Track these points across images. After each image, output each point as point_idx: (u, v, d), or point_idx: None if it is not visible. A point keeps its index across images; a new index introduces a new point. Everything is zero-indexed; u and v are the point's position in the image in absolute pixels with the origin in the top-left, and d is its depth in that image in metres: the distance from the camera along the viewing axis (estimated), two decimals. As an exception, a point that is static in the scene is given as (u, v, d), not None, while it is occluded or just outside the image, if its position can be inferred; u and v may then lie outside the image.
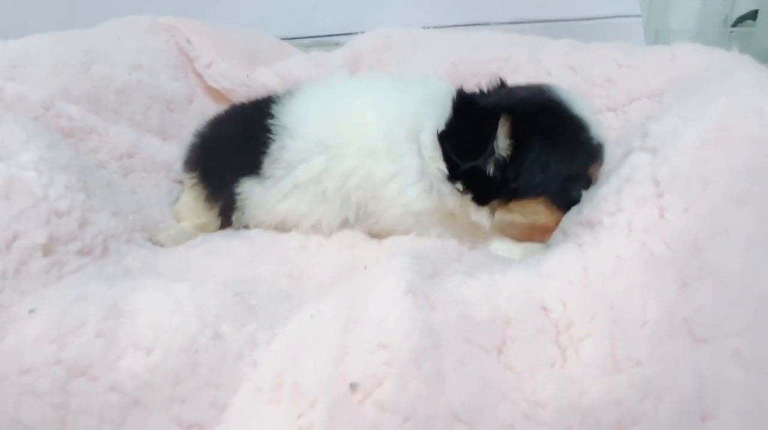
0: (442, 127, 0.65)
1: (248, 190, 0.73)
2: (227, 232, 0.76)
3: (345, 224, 0.71)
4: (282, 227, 0.73)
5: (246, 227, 0.76)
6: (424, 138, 0.66)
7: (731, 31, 1.44)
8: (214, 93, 1.03)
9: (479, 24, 1.32)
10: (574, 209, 0.64)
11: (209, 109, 1.02)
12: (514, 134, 0.63)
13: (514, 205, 0.65)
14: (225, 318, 0.47)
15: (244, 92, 1.02)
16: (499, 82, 0.75)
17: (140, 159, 0.83)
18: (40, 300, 0.46)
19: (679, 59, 0.89)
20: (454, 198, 0.66)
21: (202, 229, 0.81)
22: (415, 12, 1.31)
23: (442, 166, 0.64)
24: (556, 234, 0.66)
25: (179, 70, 1.00)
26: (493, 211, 0.66)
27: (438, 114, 0.66)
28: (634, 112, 0.87)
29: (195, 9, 1.20)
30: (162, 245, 0.73)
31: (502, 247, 0.70)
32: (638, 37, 1.33)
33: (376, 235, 0.70)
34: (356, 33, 1.25)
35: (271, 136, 0.71)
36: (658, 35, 1.36)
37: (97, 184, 0.70)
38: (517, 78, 1.05)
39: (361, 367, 0.41)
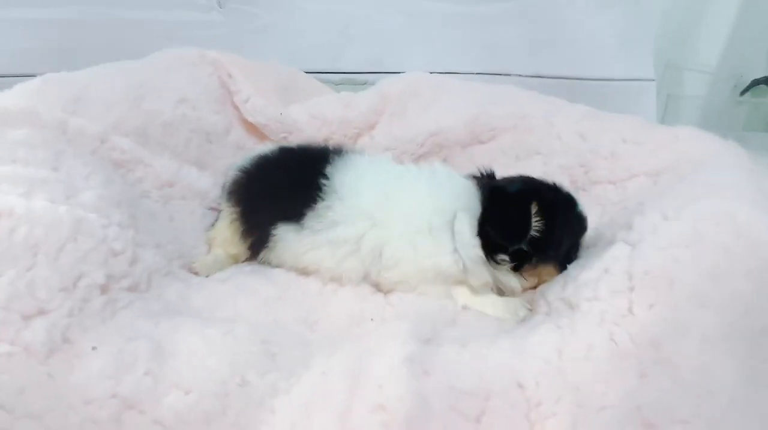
0: (478, 214, 0.79)
1: (283, 234, 0.82)
2: (252, 268, 0.85)
3: (365, 277, 0.80)
4: (304, 271, 0.82)
5: (269, 263, 0.85)
6: (459, 226, 0.78)
7: (740, 99, 1.51)
8: (249, 125, 1.12)
9: (502, 74, 1.39)
10: (559, 282, 0.74)
11: (244, 141, 1.12)
12: (541, 215, 0.77)
13: (538, 269, 0.80)
14: (251, 366, 0.56)
15: (276, 127, 1.11)
16: (490, 171, 0.89)
17: (179, 188, 0.92)
18: (100, 337, 0.55)
19: (680, 142, 0.96)
20: (483, 270, 0.78)
21: (233, 258, 0.90)
22: (442, 56, 1.39)
23: (480, 252, 0.77)
24: (540, 302, 0.74)
25: (220, 103, 1.09)
26: (524, 275, 0.80)
27: (468, 204, 0.80)
28: (632, 188, 0.95)
29: (235, 41, 1.29)
30: (196, 274, 0.83)
31: (496, 305, 0.78)
32: (650, 101, 1.41)
33: (387, 288, 0.79)
34: (385, 72, 1.34)
35: (321, 195, 0.80)
36: (669, 99, 1.43)
37: (142, 216, 0.79)
38: (530, 138, 1.14)
39: (362, 425, 0.50)
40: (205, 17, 1.27)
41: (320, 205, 0.80)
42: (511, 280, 0.81)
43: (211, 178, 0.99)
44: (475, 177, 0.89)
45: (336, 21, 1.33)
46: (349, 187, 0.82)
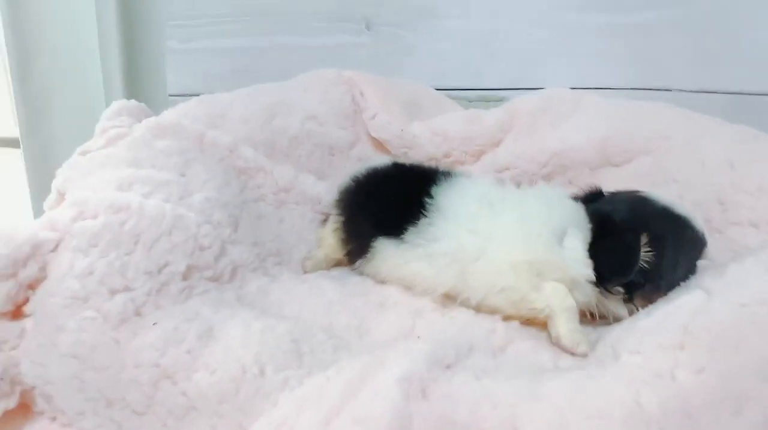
0: (589, 237, 0.76)
1: (383, 247, 0.86)
2: (341, 272, 0.92)
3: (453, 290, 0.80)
4: (399, 283, 0.85)
5: (364, 272, 0.90)
6: (571, 242, 0.76)
7: None
8: (374, 141, 1.20)
9: (660, 89, 1.25)
10: (624, 325, 0.66)
11: (367, 154, 1.20)
12: (650, 246, 0.73)
13: (649, 296, 0.74)
14: (273, 359, 0.62)
15: (397, 143, 1.16)
16: (597, 189, 0.85)
17: (294, 193, 1.03)
18: (166, 315, 0.67)
19: None
20: (590, 291, 0.75)
21: (335, 261, 0.98)
22: (591, 71, 1.30)
23: (591, 273, 0.74)
24: (599, 344, 0.67)
25: (348, 119, 1.18)
26: (636, 304, 0.75)
27: (579, 223, 0.77)
28: (776, 232, 0.79)
29: (381, 61, 1.38)
30: (305, 271, 0.94)
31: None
32: None
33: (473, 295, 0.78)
34: (527, 89, 1.30)
35: (424, 212, 0.83)
36: None
37: (249, 218, 0.91)
38: (669, 162, 1.01)
39: (340, 433, 0.52)
40: (356, 40, 1.38)
41: (422, 222, 0.82)
42: (620, 308, 0.76)
43: (328, 187, 1.08)
44: (579, 197, 0.85)
45: (479, 38, 1.33)
46: (452, 206, 0.83)
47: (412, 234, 0.82)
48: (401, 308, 0.79)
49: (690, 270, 0.76)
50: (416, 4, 1.34)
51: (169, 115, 0.98)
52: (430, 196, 0.84)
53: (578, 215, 0.79)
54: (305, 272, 0.95)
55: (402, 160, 1.15)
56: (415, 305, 0.79)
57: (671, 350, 0.53)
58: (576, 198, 0.86)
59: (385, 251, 0.85)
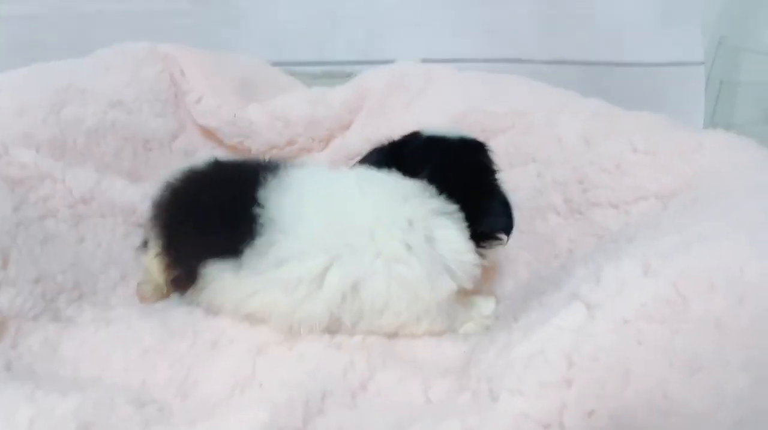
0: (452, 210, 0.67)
1: (216, 274, 0.66)
2: (165, 304, 0.74)
3: (335, 323, 0.66)
4: (250, 318, 0.67)
5: (195, 303, 0.71)
6: (444, 233, 0.66)
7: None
8: (202, 129, 1.00)
9: (513, 60, 1.19)
10: (498, 346, 0.56)
11: (195, 146, 1.00)
12: None
13: None
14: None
15: (228, 131, 0.99)
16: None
17: (97, 204, 0.81)
18: None
19: (704, 152, 0.74)
20: (477, 269, 0.68)
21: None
22: (442, 41, 1.21)
23: (474, 254, 0.67)
24: (472, 372, 0.57)
25: (168, 105, 0.97)
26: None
27: (434, 203, 0.67)
28: (637, 214, 0.74)
29: (208, 32, 1.17)
30: (142, 300, 0.76)
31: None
32: (698, 88, 1.16)
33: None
34: (375, 62, 1.17)
35: (258, 228, 0.64)
36: (723, 86, 1.17)
37: (26, 245, 0.69)
38: (527, 140, 0.95)
39: None
40: (172, 6, 1.15)
41: (260, 241, 0.64)
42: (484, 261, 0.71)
43: (145, 190, 0.87)
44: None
45: (321, 5, 1.18)
46: (288, 214, 0.65)
47: (251, 257, 0.64)
48: (238, 346, 0.64)
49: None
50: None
51: None
52: (260, 205, 0.66)
53: (421, 188, 0.68)
54: (142, 301, 0.76)
55: (234, 153, 0.98)
56: (255, 340, 0.64)
57: (556, 388, 0.44)
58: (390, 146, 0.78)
59: (221, 279, 0.66)
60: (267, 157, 0.89)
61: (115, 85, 0.92)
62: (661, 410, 0.42)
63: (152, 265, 0.75)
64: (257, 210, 0.65)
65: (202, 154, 0.99)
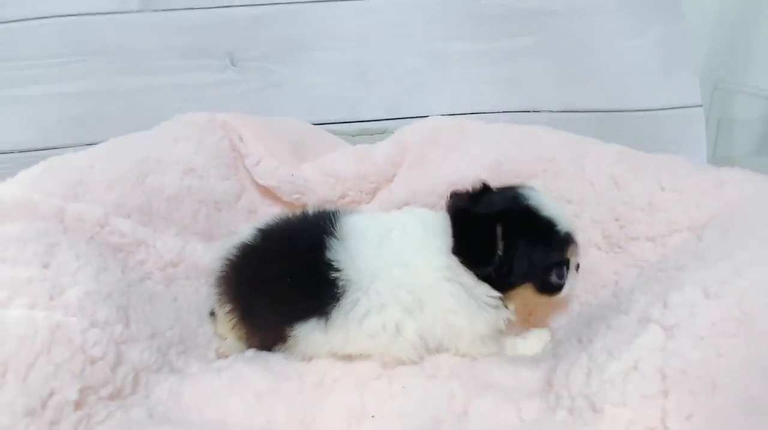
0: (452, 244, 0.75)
1: (306, 334, 0.75)
2: (252, 353, 0.81)
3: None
4: (347, 359, 0.76)
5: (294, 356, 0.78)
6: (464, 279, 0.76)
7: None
8: (262, 188, 1.09)
9: (530, 111, 1.31)
10: (583, 369, 0.64)
11: (256, 205, 1.08)
12: (504, 238, 0.74)
13: (516, 292, 0.77)
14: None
15: (287, 188, 1.07)
16: (482, 185, 0.85)
17: (184, 267, 0.90)
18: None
19: (727, 188, 0.85)
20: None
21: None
22: (465, 97, 1.32)
23: (488, 289, 0.76)
24: (563, 393, 0.65)
25: (230, 168, 1.06)
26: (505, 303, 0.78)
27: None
28: (674, 245, 0.84)
29: (251, 98, 1.27)
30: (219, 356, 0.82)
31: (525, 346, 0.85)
32: (699, 129, 1.28)
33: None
34: (406, 118, 1.28)
35: (338, 291, 0.73)
36: (721, 125, 1.30)
37: (138, 304, 0.76)
38: (559, 184, 1.05)
39: None
40: (220, 77, 1.26)
41: (344, 302, 0.73)
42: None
43: (218, 251, 0.95)
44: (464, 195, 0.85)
45: (351, 69, 1.29)
46: (364, 274, 0.74)
47: (337, 316, 0.73)
48: (342, 383, 0.71)
49: (550, 268, 0.77)
50: (283, 37, 1.25)
51: (10, 190, 0.79)
52: (336, 269, 0.74)
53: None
54: (219, 358, 0.83)
55: (292, 209, 1.07)
56: (356, 377, 0.72)
57: (656, 398, 0.53)
58: (461, 196, 0.85)
59: (311, 337, 0.75)
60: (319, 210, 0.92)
61: (185, 153, 1.00)
62: (745, 408, 0.50)
63: (226, 331, 0.83)
64: (335, 274, 0.74)
65: (263, 211, 1.08)
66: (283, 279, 0.76)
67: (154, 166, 0.94)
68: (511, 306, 0.79)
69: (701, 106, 1.27)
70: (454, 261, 0.75)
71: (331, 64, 1.28)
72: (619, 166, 1.00)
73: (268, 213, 1.08)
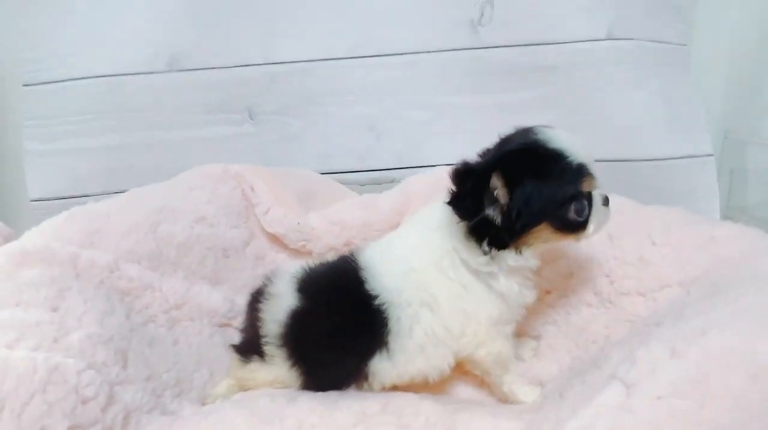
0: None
1: (378, 366, 0.82)
2: (241, 396, 0.85)
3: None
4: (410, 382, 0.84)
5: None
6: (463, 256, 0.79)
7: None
8: (269, 235, 1.15)
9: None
10: (551, 419, 0.65)
11: (264, 251, 1.14)
12: (507, 183, 0.73)
13: (527, 238, 0.76)
14: None
15: (293, 236, 1.12)
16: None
17: (188, 309, 0.95)
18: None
19: (717, 244, 0.85)
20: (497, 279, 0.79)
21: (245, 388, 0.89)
22: (475, 147, 1.35)
23: (491, 264, 0.78)
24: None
25: (240, 217, 1.12)
26: (518, 250, 0.77)
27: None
28: (664, 300, 0.84)
29: (267, 150, 1.34)
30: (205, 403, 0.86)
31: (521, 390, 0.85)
32: (711, 178, 1.27)
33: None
34: (414, 167, 1.33)
35: (385, 316, 0.80)
36: (734, 175, 1.28)
37: (139, 347, 0.82)
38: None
39: None
40: (239, 130, 1.34)
41: (392, 325, 0.80)
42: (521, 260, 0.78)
43: (224, 293, 1.01)
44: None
45: (362, 122, 1.35)
46: (392, 290, 0.81)
47: (394, 340, 0.80)
48: (331, 423, 0.74)
49: (565, 201, 0.74)
50: (298, 92, 1.33)
51: (34, 238, 0.87)
52: (374, 297, 0.80)
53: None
54: (205, 404, 0.87)
55: (297, 255, 1.12)
56: (335, 424, 0.74)
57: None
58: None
59: (382, 369, 0.82)
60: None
61: (197, 202, 1.07)
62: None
63: (269, 377, 0.87)
64: (376, 303, 0.80)
65: (270, 257, 1.13)
66: (345, 326, 0.82)
67: (168, 215, 1.01)
68: (529, 253, 0.78)
69: (712, 155, 1.26)
70: (453, 245, 0.79)
71: (343, 117, 1.34)
72: (615, 219, 1.00)
73: (276, 259, 1.14)
